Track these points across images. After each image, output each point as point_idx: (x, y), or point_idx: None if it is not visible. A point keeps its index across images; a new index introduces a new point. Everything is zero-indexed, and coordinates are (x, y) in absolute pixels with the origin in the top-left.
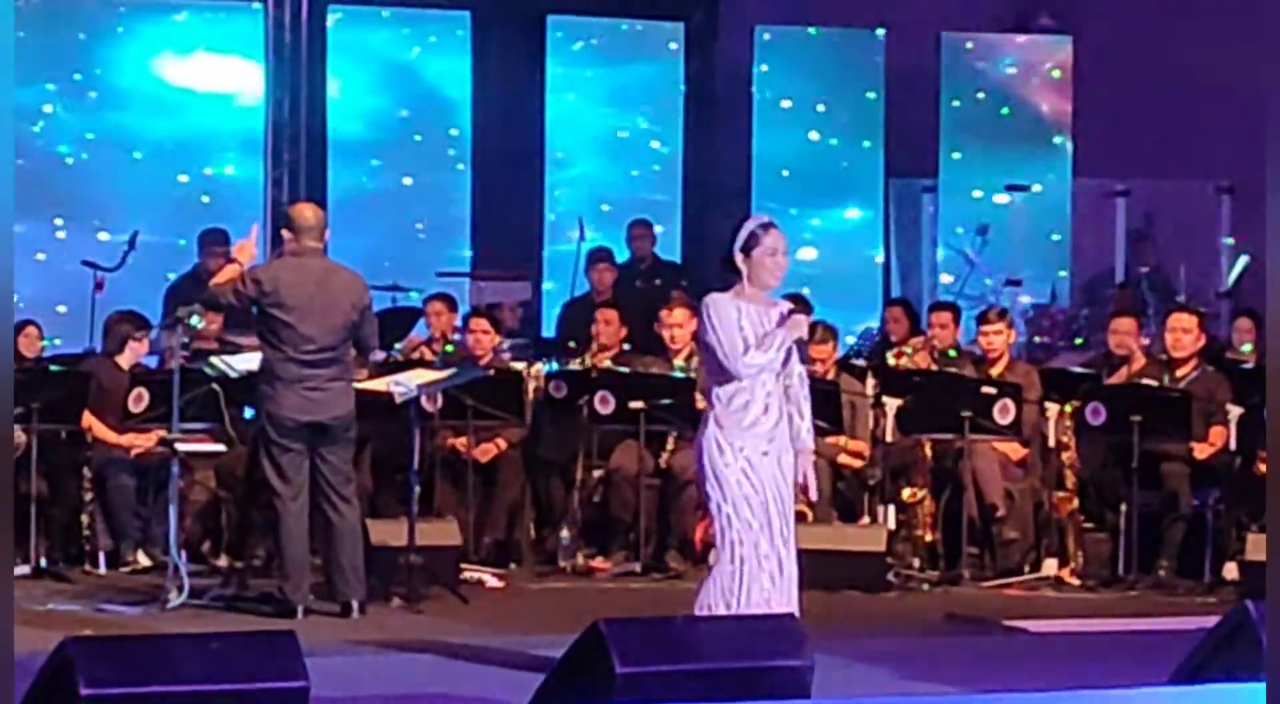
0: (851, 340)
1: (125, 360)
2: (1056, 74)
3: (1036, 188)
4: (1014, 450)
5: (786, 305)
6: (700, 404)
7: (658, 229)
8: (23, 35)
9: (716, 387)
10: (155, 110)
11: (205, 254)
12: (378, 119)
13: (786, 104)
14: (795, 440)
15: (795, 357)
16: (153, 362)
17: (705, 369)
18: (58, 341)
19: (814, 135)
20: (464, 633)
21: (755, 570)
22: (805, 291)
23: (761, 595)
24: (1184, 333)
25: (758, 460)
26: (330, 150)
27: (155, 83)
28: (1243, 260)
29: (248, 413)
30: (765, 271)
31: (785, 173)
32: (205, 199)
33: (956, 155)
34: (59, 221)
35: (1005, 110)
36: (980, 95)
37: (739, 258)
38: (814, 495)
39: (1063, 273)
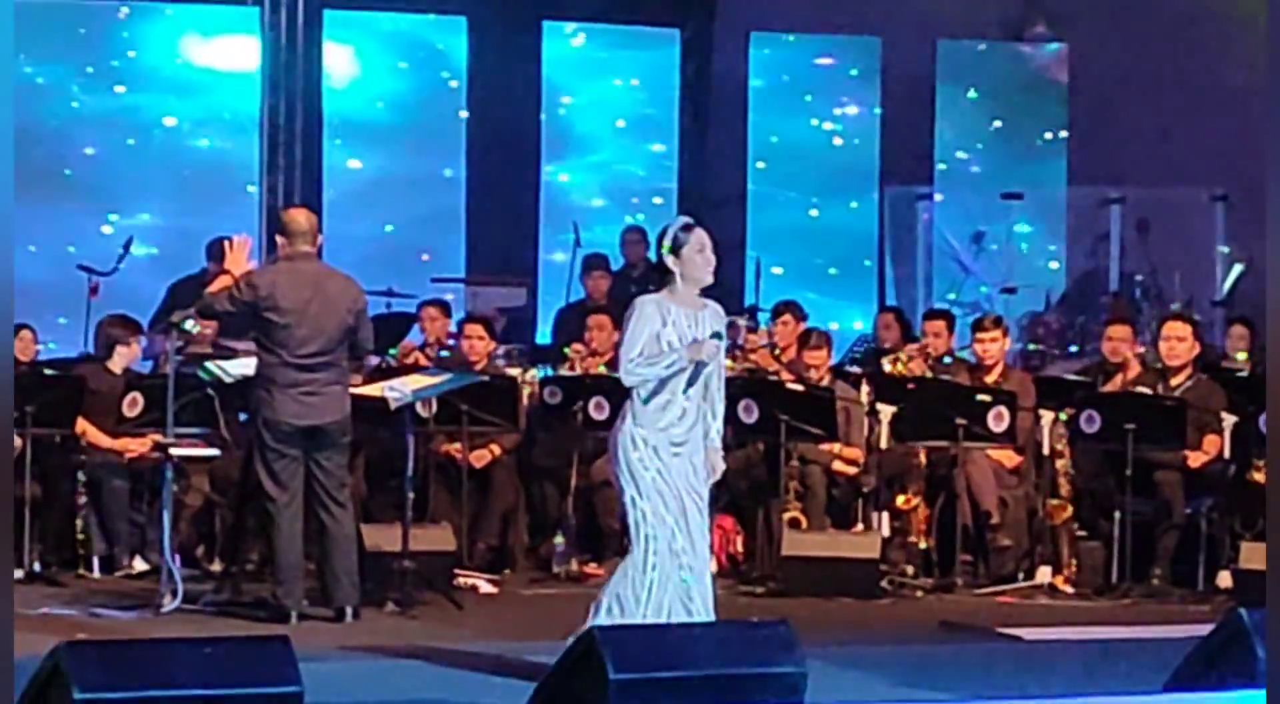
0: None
1: (116, 365)
2: (1051, 82)
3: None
4: (1008, 458)
5: (717, 308)
6: None
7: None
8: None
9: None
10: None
11: (212, 260)
12: (373, 120)
13: (782, 110)
14: (705, 438)
15: (715, 376)
16: (147, 366)
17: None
18: (53, 345)
19: (810, 142)
20: (458, 639)
21: (669, 568)
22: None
23: (676, 594)
24: (1179, 341)
25: (669, 459)
26: (325, 148)
27: (155, 75)
28: (1237, 268)
29: (242, 417)
30: (697, 268)
31: (781, 178)
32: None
33: (952, 163)
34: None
35: (1000, 118)
36: (976, 103)
37: (670, 260)
38: (715, 478)
39: (1057, 280)
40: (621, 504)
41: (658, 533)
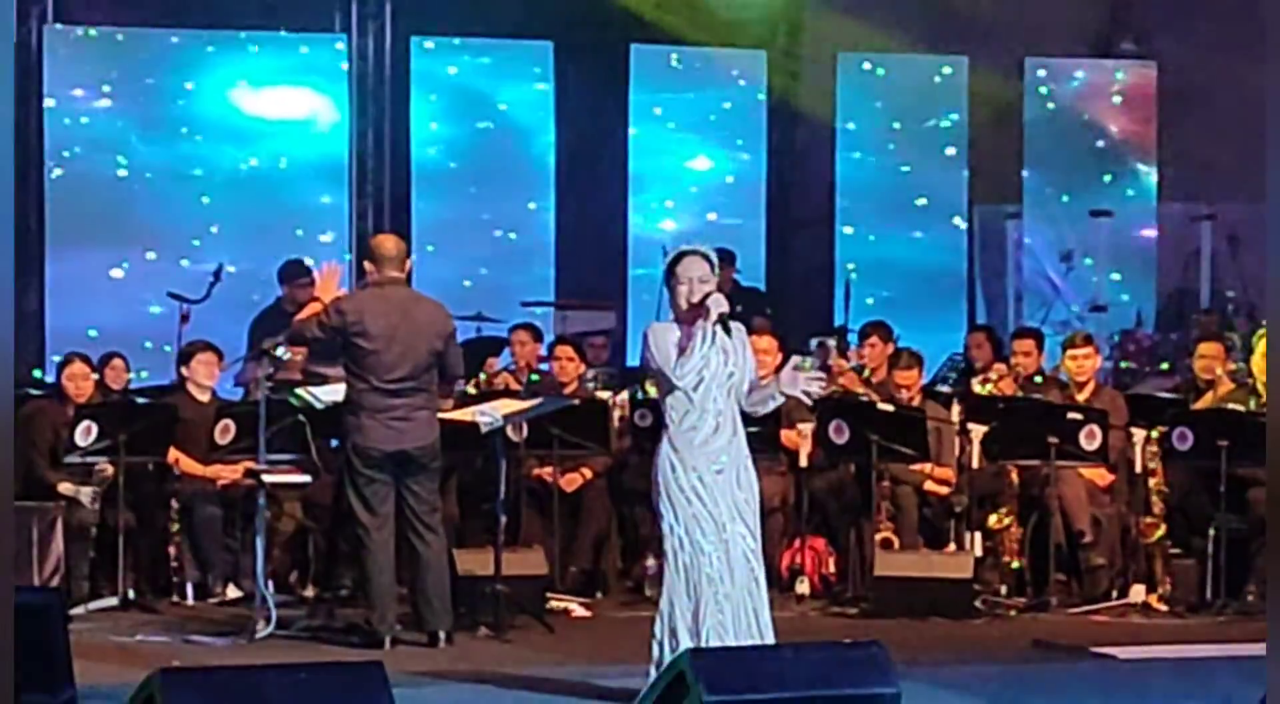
0: None
1: (201, 381)
2: (1140, 98)
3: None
4: (1100, 476)
5: (717, 298)
6: (784, 432)
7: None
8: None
9: (668, 407)
10: (237, 140)
11: (287, 285)
12: (461, 148)
13: (869, 130)
14: (779, 385)
15: (747, 372)
16: (238, 394)
17: (658, 392)
18: (144, 374)
19: (897, 161)
20: (550, 662)
21: (709, 595)
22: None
23: (716, 620)
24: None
25: (711, 479)
26: (414, 179)
27: (236, 113)
28: None
29: (334, 443)
30: (680, 297)
31: (868, 199)
32: (299, 232)
33: (1040, 181)
34: (150, 256)
35: (1089, 135)
36: (1064, 121)
37: (666, 286)
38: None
39: (1148, 298)
40: (659, 529)
41: (695, 560)
